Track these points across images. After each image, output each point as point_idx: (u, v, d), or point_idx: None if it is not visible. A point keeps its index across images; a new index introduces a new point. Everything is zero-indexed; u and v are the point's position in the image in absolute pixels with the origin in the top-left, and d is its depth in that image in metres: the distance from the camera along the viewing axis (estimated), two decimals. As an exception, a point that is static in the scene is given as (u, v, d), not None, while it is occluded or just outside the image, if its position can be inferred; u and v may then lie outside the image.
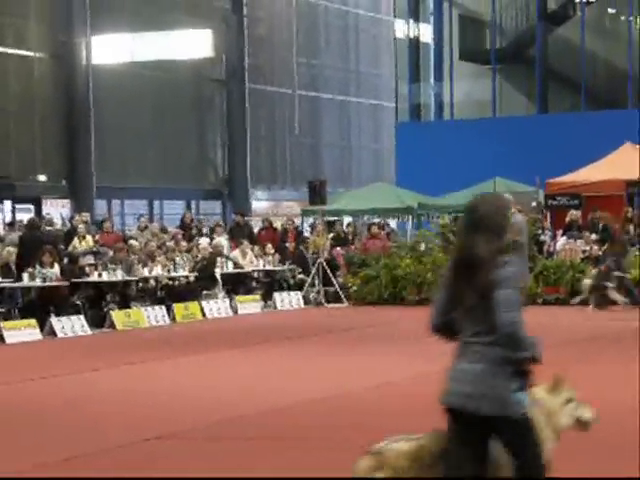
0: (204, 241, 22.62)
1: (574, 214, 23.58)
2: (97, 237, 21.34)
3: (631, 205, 23.89)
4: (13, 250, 18.36)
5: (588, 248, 21.89)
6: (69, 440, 8.56)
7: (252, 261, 22.51)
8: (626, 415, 9.13)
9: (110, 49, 31.92)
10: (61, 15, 31.23)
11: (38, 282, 17.34)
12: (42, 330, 16.49)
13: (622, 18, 34.46)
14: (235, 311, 20.50)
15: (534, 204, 23.20)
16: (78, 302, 17.92)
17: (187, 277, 20.57)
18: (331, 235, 24.49)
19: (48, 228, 21.44)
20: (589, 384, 10.92)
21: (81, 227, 20.95)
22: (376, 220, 27.48)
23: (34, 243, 18.28)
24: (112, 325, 17.61)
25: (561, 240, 22.72)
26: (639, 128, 27.98)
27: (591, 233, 22.75)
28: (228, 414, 9.48)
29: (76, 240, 20.40)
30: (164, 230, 24.15)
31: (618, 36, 34.17)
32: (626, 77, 32.68)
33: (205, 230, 25.12)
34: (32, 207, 30.10)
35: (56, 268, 17.76)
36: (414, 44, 36.66)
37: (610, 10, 35.54)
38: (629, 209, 23.52)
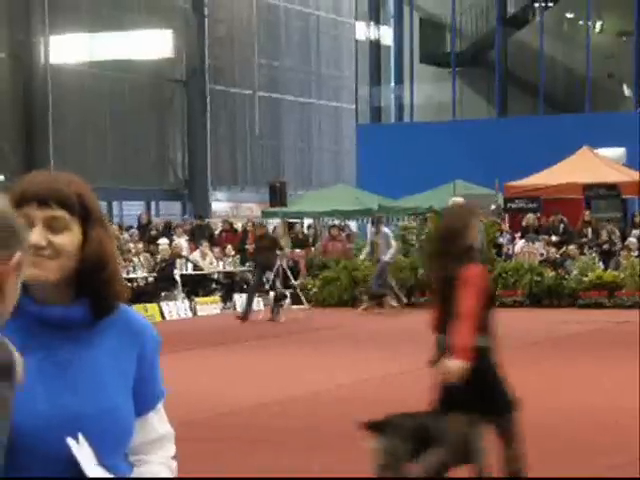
0: (164, 242, 22.53)
1: (530, 217, 23.75)
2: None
3: (589, 208, 24.11)
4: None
5: (545, 251, 22.06)
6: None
7: (212, 262, 22.45)
8: (587, 414, 9.20)
9: (69, 49, 31.69)
10: (19, 14, 30.97)
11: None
12: None
13: (580, 23, 34.78)
14: (194, 312, 20.42)
15: (493, 207, 23.35)
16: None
17: (146, 278, 20.46)
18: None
19: None
20: (546, 385, 11.00)
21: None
22: (336, 222, 27.53)
23: None
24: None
25: (519, 243, 22.89)
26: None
27: (551, 235, 22.94)
28: (186, 416, 9.44)
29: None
30: (121, 228, 24.03)
31: (576, 40, 34.48)
32: (584, 81, 32.98)
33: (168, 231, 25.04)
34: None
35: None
36: (375, 46, 36.76)
37: (568, 15, 35.84)
38: (587, 212, 23.74)
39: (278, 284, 22.08)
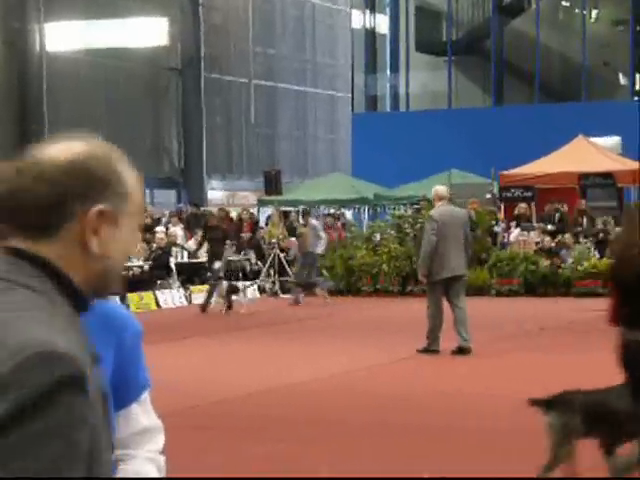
0: (160, 230, 22.52)
1: (522, 207, 23.76)
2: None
3: (584, 197, 24.12)
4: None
5: (540, 240, 22.08)
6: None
7: (207, 251, 22.42)
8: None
9: (64, 36, 31.61)
10: (14, 1, 30.87)
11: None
12: None
13: (576, 11, 34.75)
14: (190, 301, 20.42)
15: (489, 196, 23.35)
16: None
17: (142, 267, 20.46)
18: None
19: None
20: (540, 373, 11.03)
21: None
22: (332, 211, 27.52)
23: None
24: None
25: (515, 232, 22.90)
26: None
27: (547, 224, 22.95)
28: (180, 404, 9.45)
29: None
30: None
31: (572, 29, 34.45)
32: (580, 70, 32.96)
33: (164, 220, 25.02)
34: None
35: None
36: (370, 35, 36.70)
37: (564, 3, 35.81)
38: (582, 201, 23.75)
39: (272, 272, 22.11)
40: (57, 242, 1.63)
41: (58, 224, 1.62)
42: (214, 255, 18.78)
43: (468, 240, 12.50)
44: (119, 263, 1.72)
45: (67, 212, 1.63)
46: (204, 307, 18.39)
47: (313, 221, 21.43)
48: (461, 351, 12.33)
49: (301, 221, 22.16)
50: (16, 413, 1.44)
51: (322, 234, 21.08)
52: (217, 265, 18.62)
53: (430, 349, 12.34)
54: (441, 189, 12.76)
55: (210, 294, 18.52)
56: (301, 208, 23.89)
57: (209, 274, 19.15)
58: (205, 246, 22.10)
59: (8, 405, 1.45)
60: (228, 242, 19.78)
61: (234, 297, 18.55)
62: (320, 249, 20.83)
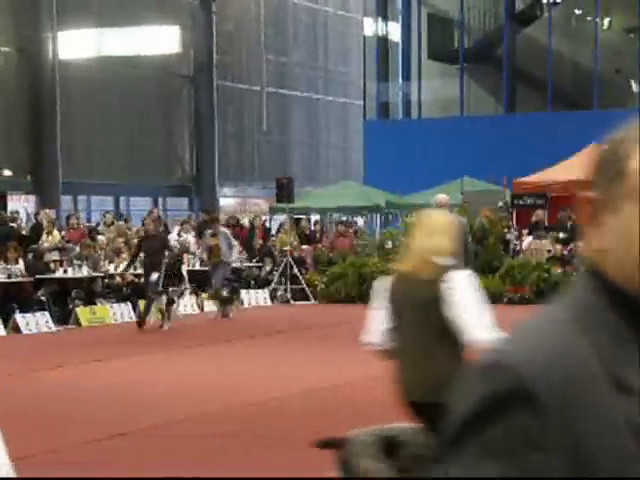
0: (172, 238, 22.54)
1: (539, 214, 23.72)
2: (63, 233, 21.21)
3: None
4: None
5: (553, 248, 22.02)
6: (31, 437, 8.49)
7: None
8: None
9: (77, 44, 31.73)
10: (28, 9, 30.99)
11: (2, 278, 17.20)
12: (6, 326, 16.36)
13: (588, 19, 34.70)
14: (201, 308, 20.43)
15: (501, 203, 23.31)
16: (43, 298, 17.78)
17: (153, 274, 20.45)
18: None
19: (11, 224, 21.28)
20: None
21: (46, 223, 20.82)
22: (344, 218, 27.51)
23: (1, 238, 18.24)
24: (77, 322, 17.49)
25: (527, 240, 22.85)
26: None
27: (559, 232, 22.89)
28: (193, 411, 9.45)
29: (44, 236, 20.26)
30: (127, 221, 24.05)
31: (585, 37, 34.40)
32: (592, 77, 32.91)
33: (176, 229, 25.04)
34: (-3, 202, 29.85)
35: (21, 264, 17.62)
36: (382, 42, 36.71)
37: (577, 11, 35.76)
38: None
39: (283, 280, 22.09)
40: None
41: None
42: (151, 266, 17.41)
43: (467, 248, 12.66)
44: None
45: None
46: (140, 323, 17.14)
47: (223, 229, 20.05)
48: None
49: (208, 231, 20.01)
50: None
51: (234, 242, 20.56)
52: (154, 277, 17.32)
53: None
54: (442, 197, 12.96)
55: (148, 308, 17.31)
56: (209, 217, 21.97)
57: (148, 286, 17.58)
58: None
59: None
60: (167, 253, 18.10)
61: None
62: (233, 258, 19.84)
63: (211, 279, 19.55)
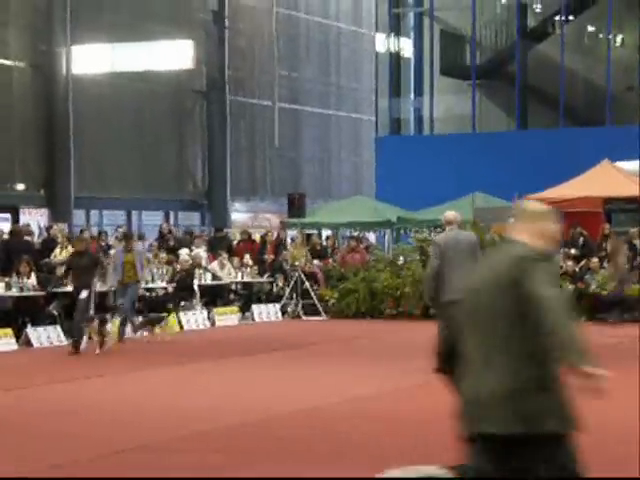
0: (184, 252, 22.58)
1: (554, 230, 23.61)
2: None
3: (609, 222, 24.00)
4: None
5: (565, 264, 21.96)
6: (42, 451, 8.50)
7: (230, 273, 22.46)
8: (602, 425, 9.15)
9: (90, 59, 31.85)
10: (41, 24, 31.15)
11: (15, 292, 17.24)
12: (18, 340, 16.39)
13: (601, 36, 34.69)
14: (213, 323, 20.44)
15: (512, 220, 23.24)
16: (55, 312, 17.81)
17: (165, 288, 20.50)
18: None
19: (26, 238, 21.33)
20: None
21: (59, 237, 20.85)
22: (355, 233, 27.49)
23: (17, 251, 18.29)
24: (88, 335, 17.50)
25: (539, 256, 22.76)
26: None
27: (571, 248, 22.83)
28: (203, 426, 9.45)
29: (57, 250, 20.30)
30: (141, 237, 24.12)
31: (597, 54, 34.39)
32: (605, 95, 32.88)
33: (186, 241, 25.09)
34: (9, 216, 29.94)
35: (33, 278, 17.66)
36: (395, 58, 36.75)
37: (589, 28, 35.77)
38: (607, 226, 23.63)
39: (295, 295, 22.08)
40: None
41: None
42: (81, 284, 16.19)
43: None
44: None
45: None
46: (76, 346, 15.76)
47: (138, 246, 18.79)
48: None
49: (119, 248, 18.64)
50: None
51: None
52: (84, 295, 16.09)
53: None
54: (449, 214, 12.98)
55: (81, 330, 16.00)
56: (121, 232, 20.84)
57: (77, 308, 16.19)
58: (228, 267, 22.09)
59: None
60: (98, 272, 16.85)
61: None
62: (142, 281, 18.34)
63: (119, 300, 17.88)
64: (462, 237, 12.84)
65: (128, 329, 17.54)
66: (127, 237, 18.27)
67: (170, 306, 19.48)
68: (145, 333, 17.77)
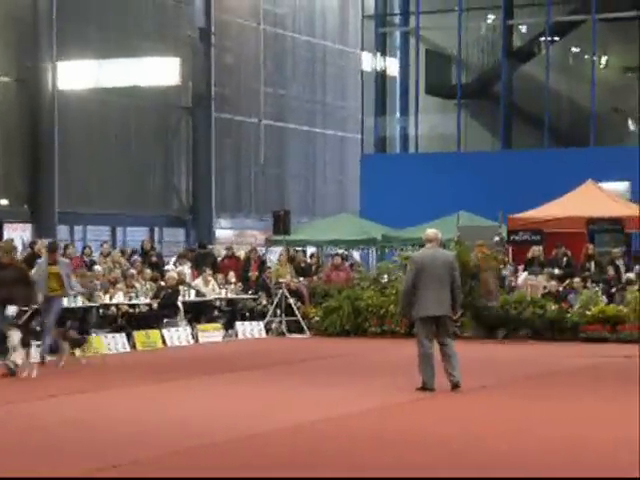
0: (171, 269, 22.54)
1: (536, 250, 23.74)
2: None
3: (592, 242, 24.10)
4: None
5: (548, 284, 22.02)
6: (24, 468, 8.44)
7: (214, 289, 22.43)
8: (584, 446, 9.15)
9: (76, 75, 31.83)
10: (27, 40, 31.14)
11: (-3, 307, 17.11)
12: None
13: (586, 57, 34.92)
14: (196, 339, 20.39)
15: (497, 239, 23.34)
16: (37, 328, 17.72)
17: (149, 304, 20.45)
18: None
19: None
20: (546, 417, 10.97)
21: (44, 252, 20.75)
22: (340, 251, 27.51)
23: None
24: (71, 352, 17.42)
25: (522, 275, 22.85)
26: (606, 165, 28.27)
27: (554, 268, 22.90)
28: (189, 443, 9.42)
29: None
30: (124, 252, 24.06)
31: (582, 75, 34.60)
32: (589, 115, 33.06)
33: (172, 260, 25.04)
34: (-7, 231, 29.84)
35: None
36: (380, 77, 36.89)
37: (574, 49, 36.00)
38: (590, 246, 23.72)
39: (279, 312, 22.04)
40: None
41: None
42: (5, 299, 15.11)
43: (455, 283, 12.80)
44: None
45: None
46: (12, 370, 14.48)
47: (63, 259, 17.40)
48: (454, 387, 12.66)
49: (41, 260, 17.39)
50: None
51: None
52: (10, 311, 15.11)
53: (425, 387, 12.69)
54: (430, 232, 13.17)
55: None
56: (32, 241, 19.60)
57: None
58: (212, 284, 21.97)
59: None
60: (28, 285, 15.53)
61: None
62: (76, 291, 17.58)
63: (43, 316, 16.48)
64: (439, 255, 12.98)
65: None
66: (52, 248, 16.95)
67: (153, 323, 19.42)
68: (56, 357, 15.95)
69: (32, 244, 22.65)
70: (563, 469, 8.38)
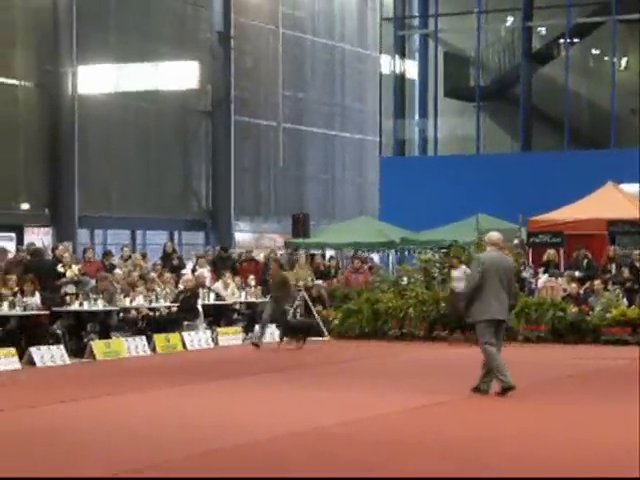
0: (187, 272, 22.57)
1: (551, 253, 23.68)
2: (79, 266, 21.28)
3: (613, 244, 24.00)
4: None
5: (569, 287, 21.93)
6: (43, 471, 8.49)
7: (234, 293, 22.47)
8: (602, 449, 9.12)
9: (96, 79, 31.97)
10: (47, 44, 31.29)
11: (18, 311, 17.25)
12: (21, 359, 16.39)
13: (606, 58, 34.80)
14: (216, 343, 20.43)
15: (516, 241, 23.29)
16: (58, 331, 17.82)
17: (169, 308, 20.51)
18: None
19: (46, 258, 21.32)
20: (565, 420, 10.94)
21: (66, 256, 20.89)
22: (360, 254, 27.49)
23: (39, 270, 18.36)
24: (92, 355, 17.51)
25: (542, 278, 22.79)
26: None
27: (575, 270, 22.81)
28: (207, 446, 9.44)
29: (62, 269, 20.33)
30: (144, 256, 24.16)
31: (601, 76, 34.48)
32: (609, 117, 32.94)
33: (192, 262, 25.09)
34: (14, 235, 29.99)
35: (37, 297, 17.67)
36: (399, 80, 36.88)
37: (594, 51, 35.88)
38: (611, 248, 23.62)
39: (298, 315, 22.06)
40: None
41: None
42: None
43: (512, 287, 12.88)
44: None
45: None
46: None
47: None
48: (505, 391, 12.54)
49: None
50: None
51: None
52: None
53: (509, 387, 12.55)
54: (493, 235, 13.15)
55: None
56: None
57: None
58: (232, 287, 22.06)
59: None
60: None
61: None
62: None
63: None
64: (503, 259, 13.05)
65: None
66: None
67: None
68: None
69: (54, 249, 22.76)
70: (580, 472, 8.36)
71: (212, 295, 21.77)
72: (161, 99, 34.01)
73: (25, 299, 17.34)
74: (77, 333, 18.22)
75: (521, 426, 10.69)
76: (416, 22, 37.71)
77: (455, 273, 20.64)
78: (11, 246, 26.33)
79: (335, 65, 43.06)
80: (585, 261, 23.40)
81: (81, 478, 8.17)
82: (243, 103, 38.10)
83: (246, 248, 28.76)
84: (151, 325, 19.75)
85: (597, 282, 21.82)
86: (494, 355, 12.57)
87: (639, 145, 30.87)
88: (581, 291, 21.87)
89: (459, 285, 19.31)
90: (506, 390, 12.51)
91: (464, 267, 20.15)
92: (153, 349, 18.85)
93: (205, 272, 22.89)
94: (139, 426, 10.71)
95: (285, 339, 19.83)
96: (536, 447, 9.38)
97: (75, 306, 18.43)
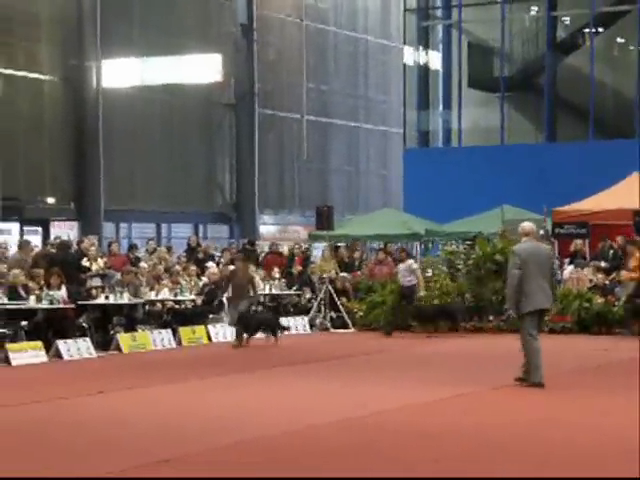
0: (212, 266, 22.63)
1: (578, 243, 23.57)
2: (105, 260, 21.39)
3: (639, 234, 23.85)
4: (19, 272, 18.30)
5: (595, 277, 21.84)
6: (73, 463, 8.55)
7: (259, 285, 22.49)
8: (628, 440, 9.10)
9: (120, 73, 32.11)
10: (72, 38, 31.45)
11: (45, 304, 17.36)
12: (48, 352, 16.50)
13: (631, 48, 34.55)
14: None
15: (542, 232, 23.18)
16: (84, 324, 17.93)
17: (194, 301, 20.58)
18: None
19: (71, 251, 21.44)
20: (591, 410, 10.91)
21: (92, 250, 21.02)
22: (400, 246, 27.40)
23: (64, 263, 18.50)
24: (118, 348, 17.61)
25: (568, 269, 22.70)
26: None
27: (600, 261, 22.70)
28: (234, 438, 9.48)
29: (87, 262, 20.45)
30: (169, 249, 24.24)
31: (627, 66, 34.24)
32: (634, 107, 32.72)
33: (217, 254, 25.13)
34: (40, 229, 30.17)
35: (63, 290, 17.78)
36: (423, 71, 36.78)
37: (619, 40, 35.62)
38: (637, 238, 23.47)
39: (323, 307, 22.08)
40: None
41: None
42: None
43: (554, 275, 12.86)
44: None
45: None
46: None
47: None
48: (528, 382, 12.54)
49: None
50: None
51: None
52: None
53: (530, 381, 12.53)
54: (527, 225, 13.06)
55: None
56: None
57: None
58: (256, 280, 22.03)
59: None
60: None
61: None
62: None
63: None
64: (540, 248, 13.00)
65: None
66: None
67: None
68: None
69: (79, 243, 22.88)
70: (605, 463, 8.34)
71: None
72: (185, 92, 34.10)
73: (51, 292, 17.45)
74: (103, 326, 18.33)
75: (545, 416, 10.67)
76: (439, 13, 37.56)
77: (401, 266, 20.79)
78: (37, 240, 26.50)
79: (358, 57, 43.00)
80: (611, 252, 23.28)
81: (95, 478, 8.23)
82: (267, 96, 38.13)
83: (270, 241, 28.78)
84: (176, 318, 19.83)
85: (623, 272, 21.71)
86: (537, 352, 12.53)
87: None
88: (607, 282, 21.77)
89: (404, 280, 20.50)
90: (533, 385, 12.46)
91: (410, 261, 20.88)
92: (179, 342, 18.93)
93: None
94: (166, 418, 10.77)
95: (245, 336, 18.96)
96: (562, 436, 9.35)
97: (101, 299, 18.54)
